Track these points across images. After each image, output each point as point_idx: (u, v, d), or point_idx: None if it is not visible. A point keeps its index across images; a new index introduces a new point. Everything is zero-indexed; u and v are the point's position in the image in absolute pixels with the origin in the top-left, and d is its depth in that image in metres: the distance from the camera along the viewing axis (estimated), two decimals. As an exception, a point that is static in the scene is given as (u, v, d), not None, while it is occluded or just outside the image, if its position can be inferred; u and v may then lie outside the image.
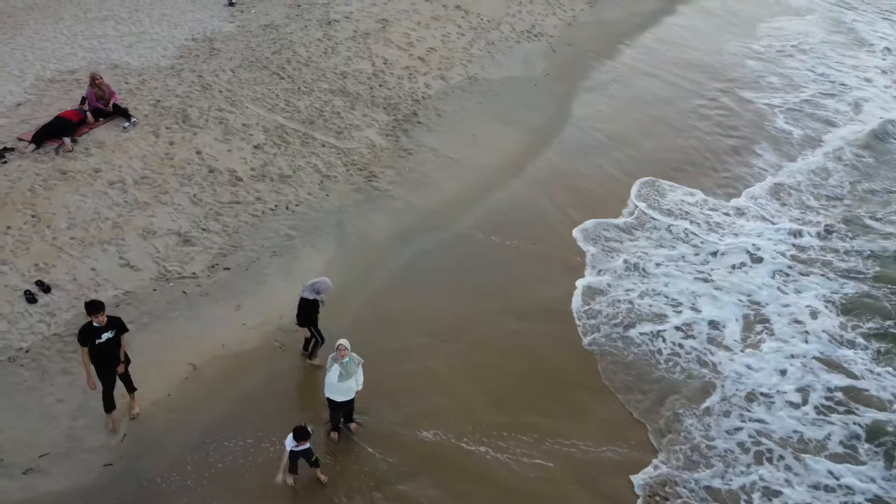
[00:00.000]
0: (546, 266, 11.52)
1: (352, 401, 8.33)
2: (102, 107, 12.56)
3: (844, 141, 16.03)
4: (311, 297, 8.84)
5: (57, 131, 11.99)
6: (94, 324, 7.76)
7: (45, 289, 9.64)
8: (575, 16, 19.82)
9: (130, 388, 8.42)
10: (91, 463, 7.95)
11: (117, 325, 8.03)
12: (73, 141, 12.04)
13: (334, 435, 8.52)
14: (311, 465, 7.86)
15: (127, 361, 8.24)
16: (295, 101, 14.19)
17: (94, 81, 12.55)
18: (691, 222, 12.95)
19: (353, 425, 8.67)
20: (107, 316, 7.85)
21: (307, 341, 9.30)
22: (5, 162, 11.47)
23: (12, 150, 11.76)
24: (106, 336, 7.84)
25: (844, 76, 19.19)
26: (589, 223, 12.56)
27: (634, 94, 16.93)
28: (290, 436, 7.51)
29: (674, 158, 14.78)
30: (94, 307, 7.78)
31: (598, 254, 11.90)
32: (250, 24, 16.95)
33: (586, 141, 14.93)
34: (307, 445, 7.59)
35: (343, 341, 7.97)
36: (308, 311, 8.93)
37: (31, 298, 9.49)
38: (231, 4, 17.90)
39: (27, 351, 8.93)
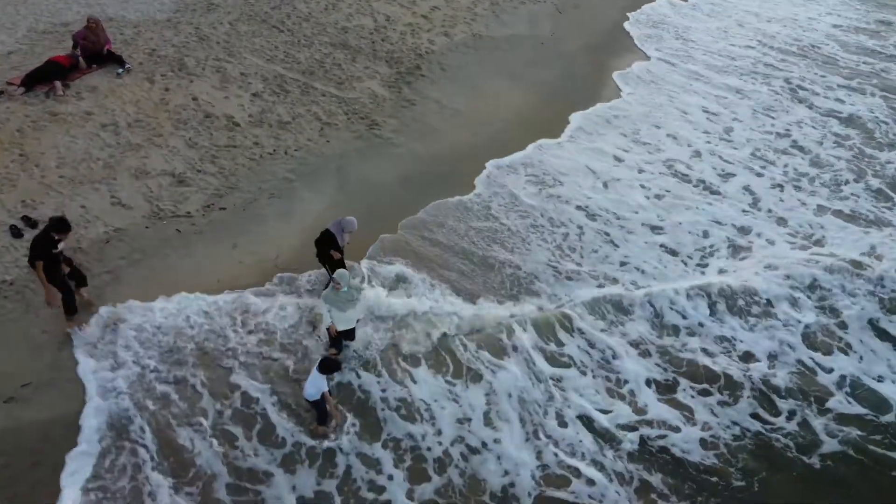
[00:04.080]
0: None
1: (353, 329, 8.00)
2: (89, 45, 12.08)
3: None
4: (333, 230, 8.32)
5: (48, 75, 11.55)
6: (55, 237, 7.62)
7: (32, 224, 9.20)
8: (581, -20, 19.36)
9: (83, 282, 8.34)
10: (75, 392, 7.53)
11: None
12: (65, 86, 11.61)
13: (333, 351, 8.09)
14: None
15: (70, 261, 8.17)
16: (294, 53, 13.76)
17: (89, 24, 12.14)
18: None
19: None
20: None
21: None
22: (-6, 104, 11.07)
23: (1, 93, 11.34)
24: (62, 245, 7.76)
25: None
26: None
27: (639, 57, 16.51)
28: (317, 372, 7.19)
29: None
30: (63, 226, 7.61)
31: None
32: (249, -18, 16.52)
33: (593, 98, 14.49)
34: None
35: (341, 272, 7.60)
36: (321, 244, 8.36)
37: (16, 233, 9.06)
38: (230, -35, 17.46)
39: (11, 283, 8.49)
